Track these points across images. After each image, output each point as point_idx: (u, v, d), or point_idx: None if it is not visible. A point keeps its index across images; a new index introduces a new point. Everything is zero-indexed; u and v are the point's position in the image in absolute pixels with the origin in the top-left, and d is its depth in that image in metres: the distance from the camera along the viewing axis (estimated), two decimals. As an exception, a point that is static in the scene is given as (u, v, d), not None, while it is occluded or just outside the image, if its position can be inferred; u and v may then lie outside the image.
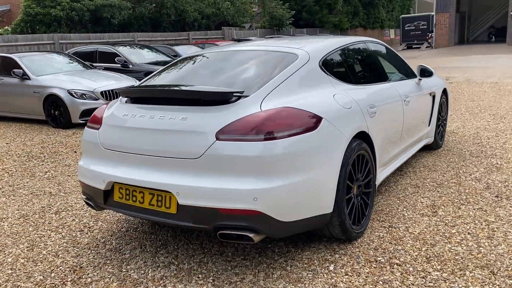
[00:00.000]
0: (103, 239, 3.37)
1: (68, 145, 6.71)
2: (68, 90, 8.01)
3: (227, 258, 2.95)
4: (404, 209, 3.61)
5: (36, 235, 3.53)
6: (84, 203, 3.89)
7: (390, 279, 2.60)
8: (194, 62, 3.50)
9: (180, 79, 3.26)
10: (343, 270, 2.72)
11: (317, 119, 2.64)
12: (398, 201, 3.79)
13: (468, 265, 2.71)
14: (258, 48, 3.39)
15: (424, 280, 2.58)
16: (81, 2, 15.73)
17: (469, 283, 2.52)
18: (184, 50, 12.94)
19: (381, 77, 3.90)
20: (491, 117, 7.22)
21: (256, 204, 2.40)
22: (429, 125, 4.94)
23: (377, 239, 3.11)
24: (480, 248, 2.91)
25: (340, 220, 2.82)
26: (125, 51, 10.81)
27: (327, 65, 3.23)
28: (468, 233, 3.13)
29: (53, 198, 4.38)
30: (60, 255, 3.15)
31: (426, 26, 35.06)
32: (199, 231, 3.29)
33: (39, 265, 3.02)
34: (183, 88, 2.92)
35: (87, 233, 3.50)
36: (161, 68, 3.69)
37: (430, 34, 33.49)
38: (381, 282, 2.57)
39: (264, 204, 2.40)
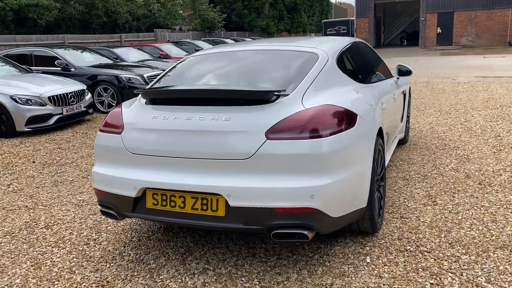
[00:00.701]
0: (118, 251, 3.16)
1: (21, 155, 6.17)
2: (11, 95, 7.36)
3: (261, 259, 2.92)
4: (406, 201, 3.81)
5: (35, 252, 3.22)
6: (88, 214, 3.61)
7: (427, 265, 2.74)
8: (212, 62, 3.42)
9: (206, 79, 3.17)
10: (380, 261, 2.82)
11: (354, 116, 2.72)
12: (396, 194, 3.98)
13: (488, 247, 2.93)
14: (276, 48, 3.40)
15: (458, 264, 2.75)
16: (3, 1, 14.47)
17: (498, 263, 2.73)
18: (125, 53, 12.45)
19: (377, 75, 4.08)
20: (438, 113, 7.81)
21: (313, 201, 2.41)
22: (401, 121, 5.25)
23: (396, 229, 3.25)
24: (491, 231, 3.16)
25: (371, 214, 2.92)
26: (65, 54, 10.15)
27: (340, 64, 3.32)
28: (474, 218, 3.38)
29: (33, 212, 4.02)
30: (76, 271, 2.91)
31: (346, 31, 36.92)
32: (244, 233, 3.22)
33: (57, 284, 2.77)
34: (225, 88, 2.83)
35: (95, 246, 3.26)
36: (169, 68, 3.56)
37: (351, 38, 35.34)
38: (421, 269, 2.70)
39: (320, 201, 2.42)
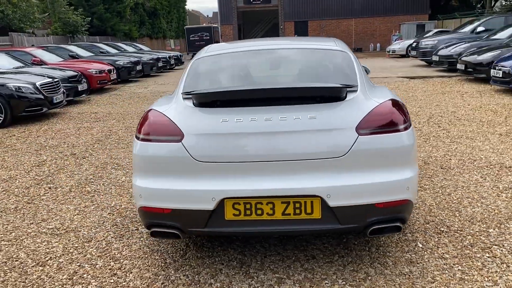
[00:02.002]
0: (160, 276, 2.77)
1: None
2: None
3: (325, 260, 2.87)
4: (398, 189, 4.10)
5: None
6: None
7: (471, 242, 3.02)
8: (244, 60, 3.20)
9: (253, 79, 2.96)
10: (431, 245, 3.01)
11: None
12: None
13: (500, 220, 3.35)
14: (303, 46, 3.34)
15: (492, 237, 3.08)
16: None
17: (520, 231, 3.16)
18: (-5, 58, 10.74)
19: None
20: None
21: (408, 193, 2.47)
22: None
23: (415, 215, 3.49)
24: (489, 206, 3.61)
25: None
26: None
27: None
28: (467, 198, 3.82)
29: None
30: (130, 306, 2.48)
31: (208, 37, 37.57)
32: (337, 233, 3.08)
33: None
34: (308, 86, 2.65)
35: (126, 276, 2.81)
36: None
37: (217, 44, 36.04)
38: (469, 246, 2.97)
39: (411, 192, 2.49)
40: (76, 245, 3.30)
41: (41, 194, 4.48)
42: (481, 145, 5.49)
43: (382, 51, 30.90)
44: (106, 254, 3.13)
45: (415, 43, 17.29)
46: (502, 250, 2.89)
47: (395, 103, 2.64)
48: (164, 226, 2.56)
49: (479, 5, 34.64)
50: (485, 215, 3.43)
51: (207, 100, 2.62)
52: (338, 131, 2.43)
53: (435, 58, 14.33)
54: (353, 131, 2.43)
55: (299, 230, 2.46)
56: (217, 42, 37.45)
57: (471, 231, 3.18)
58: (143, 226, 3.52)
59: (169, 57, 20.91)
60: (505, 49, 11.05)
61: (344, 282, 2.60)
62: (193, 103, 2.69)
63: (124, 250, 3.16)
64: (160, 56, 19.24)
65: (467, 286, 2.52)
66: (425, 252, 2.91)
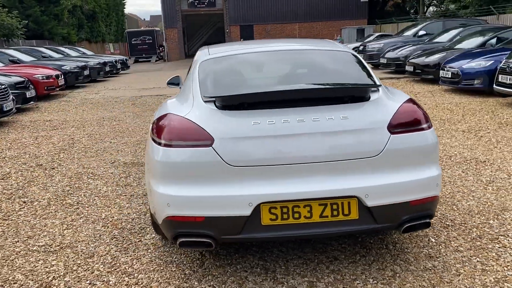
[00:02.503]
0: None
1: None
2: None
3: (348, 260, 2.87)
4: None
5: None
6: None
7: (478, 234, 3.15)
8: (256, 62, 3.12)
9: (272, 80, 2.89)
10: (443, 239, 3.11)
11: None
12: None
13: (495, 211, 3.53)
14: (312, 48, 3.33)
15: (494, 228, 3.24)
16: None
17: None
18: None
19: None
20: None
21: (437, 189, 2.53)
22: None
23: (418, 211, 3.59)
24: (481, 199, 3.80)
25: None
26: None
27: None
28: (457, 192, 3.99)
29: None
30: (163, 323, 2.34)
31: (151, 41, 36.79)
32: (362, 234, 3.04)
33: None
34: (337, 86, 2.62)
35: (147, 290, 2.65)
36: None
37: (161, 48, 35.35)
38: (478, 238, 3.09)
39: (439, 188, 2.56)
40: (78, 261, 3.07)
41: (16, 209, 4.13)
42: (450, 142, 5.78)
43: (326, 54, 31.78)
44: (115, 269, 2.93)
45: (362, 47, 17.96)
46: (509, 240, 3.04)
47: (415, 103, 2.70)
48: (195, 235, 2.44)
49: (412, 11, 36.66)
50: (481, 208, 3.60)
51: (236, 103, 2.53)
52: (370, 131, 2.44)
53: (382, 60, 14.94)
54: (385, 130, 2.45)
55: (337, 232, 2.44)
56: (161, 46, 36.80)
57: (474, 224, 3.32)
58: (152, 237, 3.35)
59: (115, 61, 20.22)
60: (449, 52, 11.75)
61: (375, 281, 2.62)
62: (216, 106, 2.59)
63: (134, 263, 2.99)
64: (106, 60, 18.55)
65: (490, 276, 2.62)
66: (440, 247, 2.99)
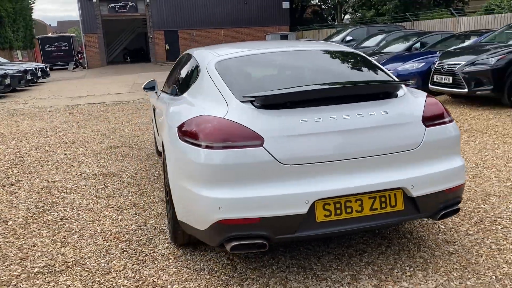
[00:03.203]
0: (231, 294, 2.57)
1: None
2: None
3: (377, 252, 2.97)
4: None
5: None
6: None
7: (479, 218, 3.42)
8: (276, 62, 3.12)
9: (303, 79, 2.89)
10: (449, 225, 3.33)
11: None
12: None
13: (483, 197, 3.86)
14: (323, 48, 3.38)
15: (488, 212, 3.54)
16: None
17: (501, 203, 3.68)
18: None
19: None
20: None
21: (464, 177, 2.71)
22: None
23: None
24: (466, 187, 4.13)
25: None
26: None
27: None
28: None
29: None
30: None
31: (68, 47, 34.87)
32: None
33: None
34: (375, 82, 2.67)
35: (191, 300, 2.54)
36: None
37: (80, 55, 33.58)
38: (480, 222, 3.36)
39: (464, 176, 2.74)
40: (97, 279, 2.84)
41: (-10, 231, 3.72)
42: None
43: (251, 59, 32.28)
44: (143, 282, 2.76)
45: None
46: (506, 221, 3.34)
47: (435, 98, 2.88)
48: (249, 237, 2.38)
49: (329, 18, 38.53)
50: (468, 195, 3.91)
51: (281, 102, 2.51)
52: (409, 125, 2.56)
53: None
54: (420, 124, 2.59)
55: (385, 224, 2.52)
56: (80, 52, 34.91)
57: (470, 209, 3.60)
58: (165, 247, 3.19)
59: (36, 69, 18.85)
60: (379, 55, 12.54)
61: (411, 269, 2.74)
62: (254, 106, 2.55)
63: (161, 275, 2.83)
64: (27, 68, 17.23)
65: (508, 254, 2.86)
66: (452, 232, 3.21)
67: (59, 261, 3.11)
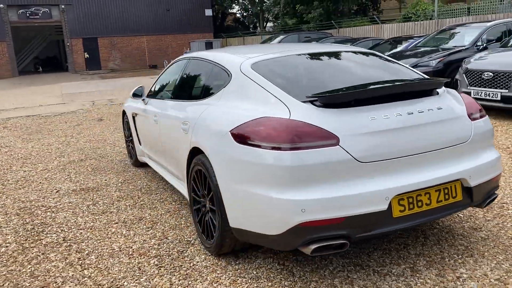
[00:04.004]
0: (304, 298, 2.51)
1: None
2: None
3: (419, 243, 3.08)
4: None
5: None
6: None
7: (504, 212, 3.70)
8: (321, 63, 3.09)
9: (354, 78, 2.91)
10: (467, 214, 3.56)
11: None
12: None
13: (477, 186, 4.17)
14: (351, 50, 3.43)
15: (492, 198, 3.84)
16: None
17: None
18: None
19: None
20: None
21: (501, 166, 2.92)
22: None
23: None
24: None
25: None
26: None
27: None
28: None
29: None
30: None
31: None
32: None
33: None
34: (430, 80, 2.76)
35: (267, 309, 2.44)
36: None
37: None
38: (488, 209, 3.64)
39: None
40: (149, 299, 2.63)
41: (-17, 260, 3.28)
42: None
43: (177, 67, 31.75)
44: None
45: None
46: (509, 207, 3.65)
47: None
48: (330, 238, 2.35)
49: (251, 25, 39.24)
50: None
51: (347, 100, 2.52)
52: (460, 119, 2.71)
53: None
54: (467, 118, 2.75)
55: (448, 214, 2.63)
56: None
57: (474, 198, 3.87)
58: (203, 259, 3.04)
59: None
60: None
61: (459, 256, 2.88)
62: (314, 105, 2.53)
63: (218, 287, 2.69)
64: None
65: (532, 235, 3.13)
66: (473, 219, 3.43)
67: (90, 285, 2.83)
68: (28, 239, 3.62)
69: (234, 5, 37.86)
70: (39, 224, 3.91)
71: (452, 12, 17.14)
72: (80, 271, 3.04)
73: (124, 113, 5.73)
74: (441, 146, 2.59)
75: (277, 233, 2.41)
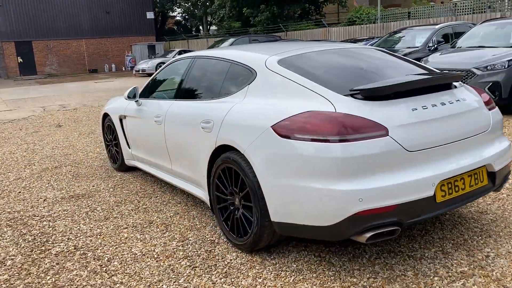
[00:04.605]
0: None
1: None
2: None
3: (439, 228, 3.27)
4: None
5: None
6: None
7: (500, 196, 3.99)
8: (332, 59, 3.22)
9: (384, 73, 3.01)
10: (480, 207, 3.82)
11: None
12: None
13: None
14: (358, 46, 3.54)
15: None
16: None
17: None
18: None
19: None
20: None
21: (511, 152, 3.18)
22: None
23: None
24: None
25: None
26: None
27: None
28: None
29: None
30: None
31: None
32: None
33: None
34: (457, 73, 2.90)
35: None
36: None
37: None
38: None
39: None
40: (198, 299, 2.58)
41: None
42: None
43: (119, 71, 30.83)
44: (253, 293, 2.60)
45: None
46: (503, 190, 3.96)
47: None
48: (383, 225, 2.44)
49: (193, 29, 38.95)
50: None
51: (388, 93, 2.62)
52: (480, 109, 2.92)
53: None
54: (486, 108, 2.97)
55: (476, 198, 2.82)
56: None
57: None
58: (235, 256, 3.03)
59: None
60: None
61: (479, 237, 3.09)
62: (356, 99, 2.62)
63: (264, 282, 2.70)
64: None
65: (533, 215, 3.43)
66: (475, 203, 3.69)
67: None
68: (34, 250, 3.40)
69: (175, 7, 37.39)
70: (39, 234, 3.68)
71: (394, 16, 18.13)
72: (108, 278, 2.91)
73: (105, 116, 5.52)
74: (470, 134, 2.77)
75: (330, 224, 2.47)
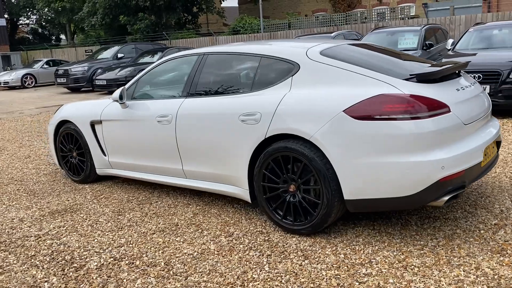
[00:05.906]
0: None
1: None
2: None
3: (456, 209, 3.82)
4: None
5: None
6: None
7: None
8: (366, 50, 3.54)
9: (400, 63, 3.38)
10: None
11: None
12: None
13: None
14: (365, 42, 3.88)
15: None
16: None
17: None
18: None
19: None
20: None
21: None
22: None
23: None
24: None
25: None
26: None
27: None
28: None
29: None
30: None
31: None
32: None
33: None
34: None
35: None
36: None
37: None
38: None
39: None
40: (302, 280, 2.65)
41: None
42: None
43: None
44: (352, 268, 2.77)
45: (62, 71, 16.69)
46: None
47: None
48: (456, 189, 2.85)
49: (53, 37, 35.88)
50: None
51: (437, 77, 3.04)
52: (483, 93, 3.52)
53: (100, 82, 14.72)
54: (485, 92, 3.60)
55: (494, 164, 3.38)
56: None
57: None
58: (296, 241, 3.14)
59: None
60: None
61: (485, 225, 3.67)
62: (413, 82, 2.98)
63: (349, 256, 2.88)
64: None
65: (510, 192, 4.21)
66: (489, 196, 4.36)
67: (219, 284, 2.66)
68: (66, 268, 3.02)
69: (31, 14, 34.01)
70: (54, 253, 3.27)
71: (276, 27, 19.37)
72: (184, 279, 2.78)
73: (61, 125, 5.00)
74: (486, 111, 3.36)
75: (412, 193, 2.78)
